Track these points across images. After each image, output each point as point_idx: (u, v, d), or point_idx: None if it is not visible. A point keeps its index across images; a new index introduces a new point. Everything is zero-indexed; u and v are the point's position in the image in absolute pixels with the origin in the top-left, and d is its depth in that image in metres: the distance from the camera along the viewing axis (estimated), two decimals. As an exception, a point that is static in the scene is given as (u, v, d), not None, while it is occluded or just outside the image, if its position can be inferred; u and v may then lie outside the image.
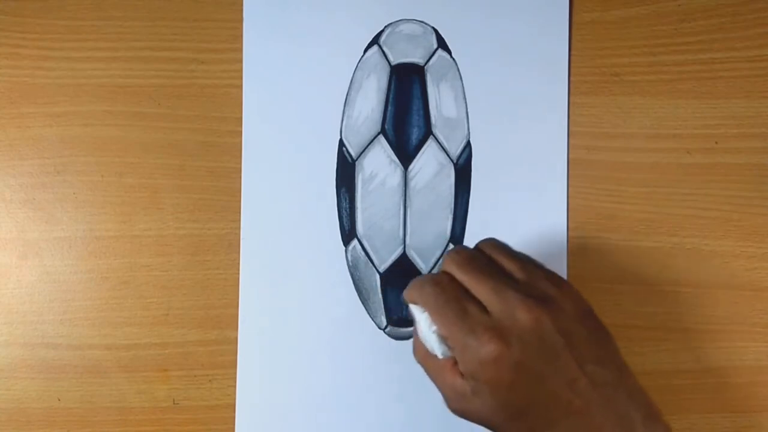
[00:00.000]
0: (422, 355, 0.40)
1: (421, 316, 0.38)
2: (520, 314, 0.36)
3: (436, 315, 0.37)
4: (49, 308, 0.48)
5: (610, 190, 0.49)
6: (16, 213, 0.48)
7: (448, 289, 0.38)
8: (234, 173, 0.48)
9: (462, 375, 0.37)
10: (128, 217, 0.48)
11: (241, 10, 0.49)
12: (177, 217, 0.48)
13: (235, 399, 0.48)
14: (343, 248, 0.48)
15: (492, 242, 0.41)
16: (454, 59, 0.49)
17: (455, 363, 0.38)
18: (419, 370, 0.48)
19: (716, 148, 0.49)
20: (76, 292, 0.48)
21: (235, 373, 0.48)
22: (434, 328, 0.37)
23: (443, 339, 0.37)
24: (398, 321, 0.49)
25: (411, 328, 0.48)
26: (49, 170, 0.48)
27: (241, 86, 0.48)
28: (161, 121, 0.48)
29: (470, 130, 0.49)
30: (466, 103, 0.49)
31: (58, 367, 0.48)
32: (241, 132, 0.48)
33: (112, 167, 0.48)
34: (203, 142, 0.48)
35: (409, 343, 0.48)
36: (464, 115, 0.49)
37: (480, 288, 0.38)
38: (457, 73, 0.49)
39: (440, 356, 0.38)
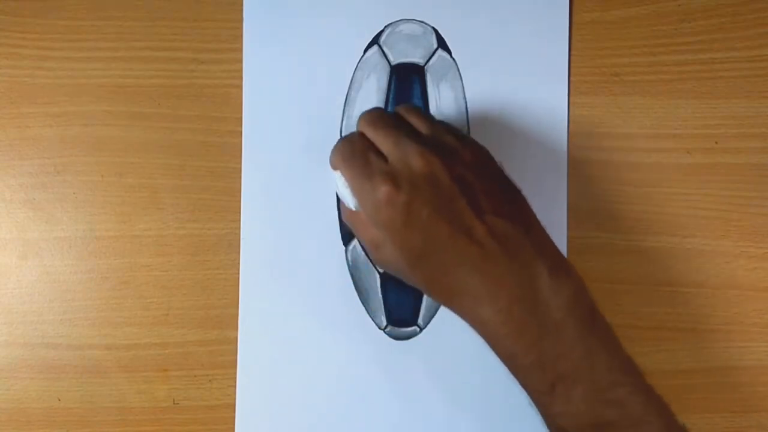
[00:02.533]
0: (347, 215, 0.43)
1: (336, 174, 0.42)
2: (414, 160, 0.38)
3: (344, 168, 0.40)
4: (49, 308, 0.48)
5: (610, 190, 0.49)
6: (16, 213, 0.48)
7: (356, 144, 0.40)
8: (234, 173, 0.48)
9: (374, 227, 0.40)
10: (128, 217, 0.48)
11: (241, 10, 0.49)
12: (177, 217, 0.48)
13: (235, 399, 0.48)
14: (343, 248, 0.48)
15: (406, 105, 0.44)
16: (454, 59, 0.49)
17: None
18: (419, 370, 0.48)
19: (716, 148, 0.49)
20: (76, 292, 0.48)
21: (235, 373, 0.48)
22: (343, 180, 0.41)
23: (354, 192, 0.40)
24: (398, 321, 0.49)
25: (411, 328, 0.49)
26: (49, 170, 0.48)
27: (241, 86, 0.48)
28: (161, 121, 0.48)
29: (470, 130, 0.49)
30: (466, 103, 0.49)
31: (58, 367, 0.48)
32: (241, 132, 0.48)
33: (112, 167, 0.48)
34: (203, 142, 0.48)
35: (409, 343, 0.48)
36: (464, 115, 0.49)
37: (383, 141, 0.40)
38: (457, 73, 0.49)
39: (353, 209, 0.41)
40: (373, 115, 0.42)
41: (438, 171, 0.38)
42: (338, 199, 0.48)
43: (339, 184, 0.41)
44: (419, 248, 0.38)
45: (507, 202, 0.39)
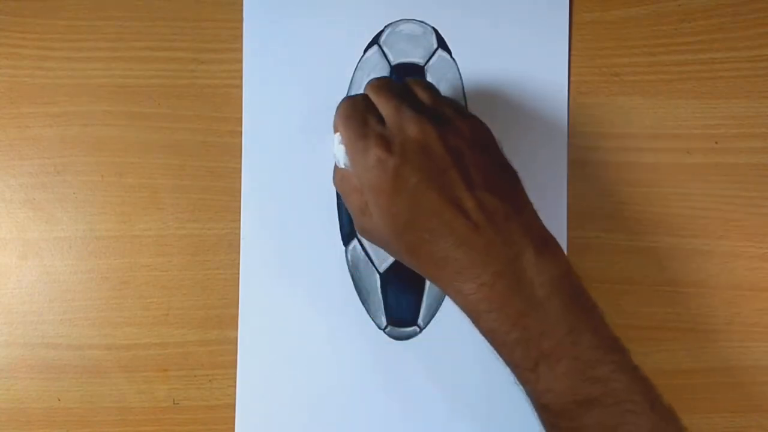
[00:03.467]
0: (337, 178, 0.43)
1: (335, 135, 0.42)
2: (410, 127, 0.38)
3: (342, 126, 0.40)
4: (49, 308, 0.48)
5: (610, 190, 0.49)
6: (16, 213, 0.48)
7: (358, 105, 0.41)
8: (234, 173, 0.48)
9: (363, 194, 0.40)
10: (128, 217, 0.48)
11: (241, 10, 0.49)
12: (177, 217, 0.48)
13: (235, 399, 0.48)
14: (343, 248, 0.48)
15: (416, 79, 0.44)
16: (454, 59, 0.49)
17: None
18: (419, 370, 0.48)
19: (716, 148, 0.49)
20: (76, 292, 0.48)
21: (235, 373, 0.48)
22: (342, 145, 0.41)
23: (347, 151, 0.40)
24: (398, 321, 0.49)
25: (411, 328, 0.49)
26: (49, 170, 0.48)
27: (241, 86, 0.48)
28: (161, 121, 0.48)
29: (470, 130, 0.49)
30: (466, 103, 0.49)
31: (58, 367, 0.48)
32: (241, 132, 0.48)
33: (112, 167, 0.48)
34: (203, 142, 0.48)
35: (409, 343, 0.48)
36: (464, 115, 0.49)
37: (384, 105, 0.40)
38: (457, 73, 0.49)
39: (342, 166, 0.41)
40: (380, 81, 0.42)
41: (432, 140, 0.38)
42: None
43: (336, 143, 0.42)
44: (405, 215, 0.38)
45: (500, 180, 0.39)
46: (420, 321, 0.49)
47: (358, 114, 0.40)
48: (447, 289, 0.39)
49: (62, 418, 0.47)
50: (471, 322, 0.39)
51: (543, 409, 0.38)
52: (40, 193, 0.48)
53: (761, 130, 0.49)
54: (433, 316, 0.49)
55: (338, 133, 0.41)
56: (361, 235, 0.43)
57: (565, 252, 0.48)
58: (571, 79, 0.49)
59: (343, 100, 0.42)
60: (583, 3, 0.50)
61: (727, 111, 0.49)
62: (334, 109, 0.49)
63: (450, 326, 0.48)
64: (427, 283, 0.49)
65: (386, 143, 0.38)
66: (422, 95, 0.42)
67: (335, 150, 0.42)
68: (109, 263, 0.48)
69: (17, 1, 0.48)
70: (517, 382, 0.39)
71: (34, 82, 0.48)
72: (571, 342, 0.36)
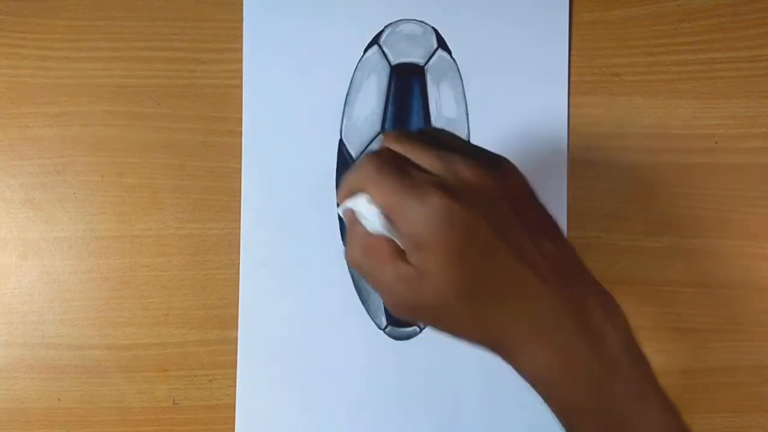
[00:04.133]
0: (358, 251, 0.35)
1: (358, 200, 0.34)
2: (463, 170, 0.33)
3: (374, 185, 0.33)
4: (49, 308, 0.48)
5: (610, 190, 0.49)
6: (16, 213, 0.48)
7: (388, 158, 0.34)
8: (234, 173, 0.48)
9: (404, 260, 0.33)
10: (128, 217, 0.48)
11: (241, 10, 0.49)
12: (177, 217, 0.48)
13: (235, 399, 0.48)
14: (343, 248, 0.48)
15: (433, 127, 0.39)
16: (454, 59, 0.49)
17: (396, 249, 0.34)
18: (419, 370, 0.48)
19: (716, 148, 0.49)
20: (76, 292, 0.48)
21: (235, 373, 0.48)
22: (374, 206, 0.34)
23: (385, 218, 0.34)
24: (398, 321, 0.49)
25: (411, 328, 0.49)
26: (49, 170, 0.48)
27: (241, 86, 0.48)
28: (161, 121, 0.48)
29: (470, 130, 0.49)
30: (466, 103, 0.49)
31: (58, 367, 0.48)
32: (241, 132, 0.48)
33: (112, 167, 0.48)
34: (203, 142, 0.48)
35: (409, 343, 0.48)
36: (464, 115, 0.49)
37: (421, 153, 0.34)
38: (457, 73, 0.49)
39: (380, 230, 0.34)
40: (400, 132, 0.36)
41: (491, 184, 0.33)
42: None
43: (362, 209, 0.34)
44: (474, 271, 0.32)
45: (549, 225, 0.36)
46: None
47: (393, 169, 0.33)
48: (515, 359, 0.34)
49: (62, 418, 0.47)
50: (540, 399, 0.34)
51: None
52: (40, 193, 0.48)
53: (761, 130, 0.49)
54: (433, 316, 0.48)
55: (362, 195, 0.34)
56: (401, 314, 0.35)
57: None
58: (571, 79, 0.49)
59: (357, 162, 0.36)
60: (583, 3, 0.50)
61: (727, 111, 0.49)
62: (334, 109, 0.49)
63: (450, 326, 0.48)
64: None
65: (446, 189, 0.32)
66: (451, 142, 0.36)
67: (364, 215, 0.34)
68: (109, 263, 0.48)
69: (17, 1, 0.48)
70: None
71: (34, 82, 0.48)
72: (645, 408, 0.33)
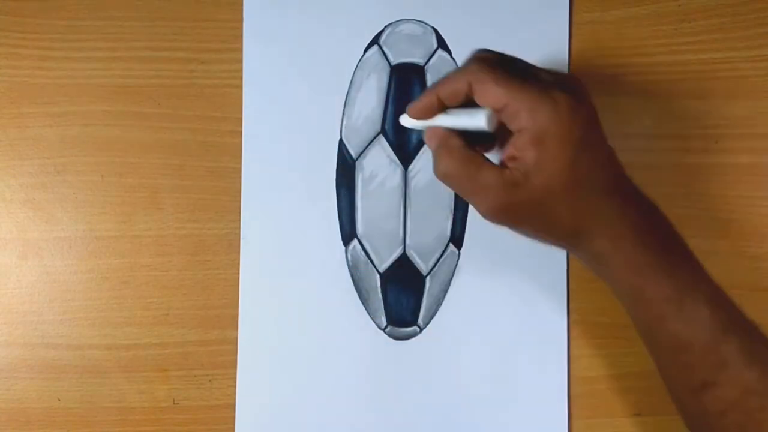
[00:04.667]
0: (455, 165, 0.38)
1: (471, 111, 0.38)
2: (574, 81, 0.39)
3: (496, 82, 0.37)
4: (49, 308, 0.48)
5: (610, 190, 0.49)
6: (16, 213, 0.48)
7: (503, 62, 0.38)
8: (234, 173, 0.48)
9: (505, 168, 0.37)
10: (128, 217, 0.48)
11: (241, 10, 0.49)
12: (177, 217, 0.48)
13: (235, 399, 0.48)
14: (343, 248, 0.48)
15: (509, 56, 0.41)
16: (454, 59, 0.49)
17: (488, 162, 0.38)
18: (419, 370, 0.48)
19: (716, 148, 0.49)
20: (76, 292, 0.48)
21: (235, 373, 0.48)
22: (485, 110, 0.37)
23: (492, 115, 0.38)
24: (398, 321, 0.49)
25: (411, 328, 0.49)
26: (49, 170, 0.48)
27: (241, 86, 0.48)
28: (161, 121, 0.48)
29: (470, 130, 0.49)
30: (466, 103, 0.49)
31: (58, 367, 0.48)
32: (241, 132, 0.48)
33: (112, 167, 0.48)
34: (203, 142, 0.48)
35: (409, 343, 0.48)
36: (464, 115, 0.49)
37: (526, 65, 0.39)
38: (457, 73, 0.49)
39: (491, 129, 0.38)
40: (496, 52, 0.40)
41: (588, 94, 0.39)
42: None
43: (476, 111, 0.38)
44: (584, 168, 0.37)
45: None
46: (420, 321, 0.49)
47: (521, 71, 0.38)
48: (593, 243, 0.38)
49: (62, 418, 0.47)
50: (613, 275, 0.39)
51: (683, 350, 0.38)
52: (40, 193, 0.48)
53: (761, 130, 0.49)
54: (433, 316, 0.49)
55: (489, 95, 0.37)
56: (495, 216, 0.39)
57: (566, 252, 0.49)
58: (571, 79, 0.49)
59: (476, 61, 0.38)
60: (583, 3, 0.50)
61: (727, 111, 0.49)
62: (334, 109, 0.49)
63: (450, 326, 0.48)
64: (427, 283, 0.49)
65: (570, 91, 0.37)
66: (525, 63, 0.41)
67: (482, 118, 0.37)
68: (109, 263, 0.48)
69: (17, 1, 0.48)
70: (648, 334, 0.40)
71: (34, 82, 0.48)
72: (702, 274, 0.40)
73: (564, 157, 0.36)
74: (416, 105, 0.40)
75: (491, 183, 0.37)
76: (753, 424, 0.37)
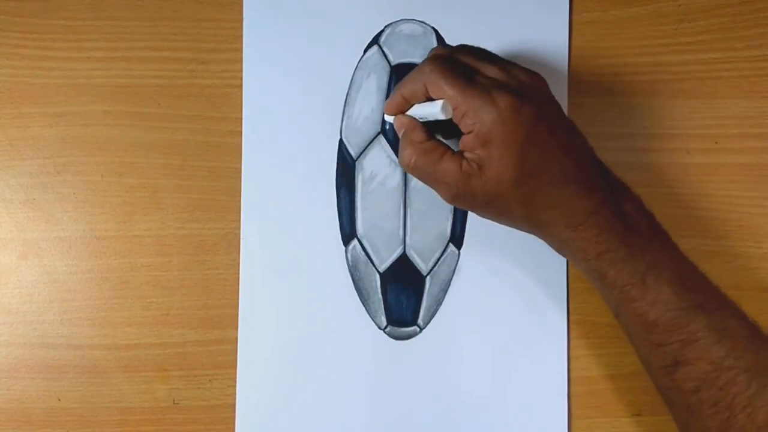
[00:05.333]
0: (418, 155, 0.41)
1: (431, 103, 0.40)
2: (523, 77, 0.40)
3: (449, 83, 0.39)
4: (49, 308, 0.48)
5: (610, 190, 0.49)
6: (16, 213, 0.48)
7: (452, 63, 0.40)
8: (234, 173, 0.48)
9: (463, 157, 0.40)
10: (128, 217, 0.48)
11: (241, 10, 0.49)
12: (177, 217, 0.48)
13: (235, 399, 0.48)
14: (343, 248, 0.48)
15: (468, 45, 0.44)
16: (454, 59, 0.49)
17: (448, 152, 0.41)
18: (419, 370, 0.48)
19: (716, 148, 0.49)
20: (76, 292, 0.48)
21: (235, 373, 0.48)
22: (440, 101, 0.39)
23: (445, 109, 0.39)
24: (398, 321, 0.49)
25: (411, 328, 0.49)
26: (49, 170, 0.48)
27: (241, 86, 0.48)
28: (161, 121, 0.48)
29: (470, 130, 0.49)
30: (466, 103, 0.49)
31: (58, 367, 0.48)
32: (241, 132, 0.48)
33: (112, 167, 0.48)
34: (203, 142, 0.48)
35: (409, 343, 0.48)
36: (464, 115, 0.49)
37: (478, 62, 0.41)
38: (457, 73, 0.49)
39: (447, 117, 0.40)
40: (448, 46, 0.42)
41: (544, 87, 0.41)
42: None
43: (434, 104, 0.40)
44: (532, 162, 0.39)
45: (572, 125, 0.42)
46: (420, 321, 0.49)
47: (459, 70, 0.40)
48: (554, 231, 0.40)
49: (62, 418, 0.47)
50: (575, 260, 0.41)
51: (651, 329, 0.39)
52: (40, 193, 0.48)
53: (761, 130, 0.49)
54: (433, 316, 0.49)
55: (440, 95, 0.40)
56: (458, 203, 0.42)
57: (565, 252, 0.49)
58: (571, 79, 0.49)
59: (429, 62, 0.40)
60: (583, 3, 0.50)
61: (727, 111, 0.49)
62: (334, 109, 0.49)
63: (450, 326, 0.48)
64: (427, 282, 0.49)
65: (513, 92, 0.38)
66: (484, 53, 0.43)
67: (438, 110, 0.40)
68: (109, 263, 0.48)
69: (17, 1, 0.48)
70: (620, 315, 0.41)
71: (34, 82, 0.48)
72: (669, 255, 0.40)
73: (509, 156, 0.38)
74: (388, 103, 0.44)
75: (449, 173, 0.40)
76: (726, 399, 0.37)
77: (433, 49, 0.42)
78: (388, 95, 0.49)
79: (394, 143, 0.49)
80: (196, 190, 0.48)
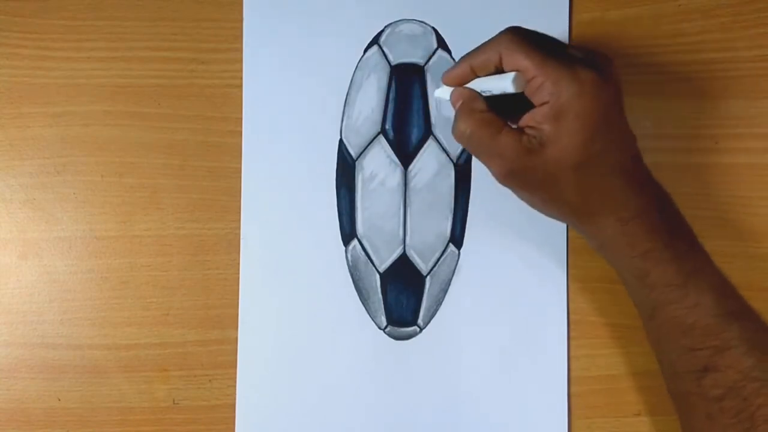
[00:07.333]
0: (475, 126, 0.39)
1: (499, 76, 0.39)
2: (603, 59, 0.39)
3: (525, 52, 0.37)
4: (49, 308, 0.48)
5: (610, 190, 0.49)
6: (16, 213, 0.48)
7: (533, 36, 0.39)
8: (234, 173, 0.48)
9: (522, 133, 0.38)
10: (128, 217, 0.48)
11: (241, 10, 0.49)
12: (177, 217, 0.48)
13: (235, 399, 0.48)
14: (343, 248, 0.48)
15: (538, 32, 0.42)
16: (453, 59, 0.49)
17: (508, 126, 0.39)
18: (419, 370, 0.48)
19: (716, 148, 0.49)
20: (76, 292, 0.48)
21: (235, 373, 0.48)
22: (512, 73, 0.38)
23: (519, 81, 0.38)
24: (398, 321, 0.49)
25: (411, 328, 0.49)
26: (49, 170, 0.48)
27: (241, 86, 0.48)
28: (161, 121, 0.48)
29: (470, 130, 0.49)
30: (466, 103, 0.49)
31: (58, 367, 0.48)
32: (241, 132, 0.48)
33: (112, 167, 0.48)
34: (203, 142, 0.48)
35: (409, 343, 0.48)
36: (464, 115, 0.49)
37: (557, 42, 0.40)
38: (457, 73, 0.49)
39: (517, 90, 0.38)
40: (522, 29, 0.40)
41: (619, 73, 0.39)
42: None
43: (504, 76, 0.39)
44: (599, 146, 0.37)
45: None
46: (420, 321, 0.49)
47: (540, 43, 0.38)
48: (603, 223, 0.39)
49: (62, 418, 0.47)
50: (617, 256, 0.41)
51: (686, 333, 0.39)
52: (40, 193, 0.48)
53: (761, 130, 0.49)
54: (433, 316, 0.49)
55: (516, 65, 0.38)
56: (507, 180, 0.40)
57: (565, 252, 0.49)
58: (571, 79, 0.49)
59: (507, 32, 0.39)
60: (583, 3, 0.50)
61: (727, 111, 0.49)
62: (334, 109, 0.49)
63: (450, 326, 0.48)
64: (427, 283, 0.49)
65: (596, 68, 0.37)
66: (555, 39, 0.42)
67: (509, 82, 0.38)
68: (109, 263, 0.48)
69: (17, 1, 0.48)
70: (651, 320, 0.41)
71: (34, 82, 0.48)
72: (709, 263, 0.40)
73: (581, 135, 0.37)
74: (450, 73, 0.42)
75: (507, 146, 0.38)
76: (749, 409, 0.37)
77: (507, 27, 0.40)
78: (388, 95, 0.49)
79: (394, 143, 0.49)
80: (196, 190, 0.48)
